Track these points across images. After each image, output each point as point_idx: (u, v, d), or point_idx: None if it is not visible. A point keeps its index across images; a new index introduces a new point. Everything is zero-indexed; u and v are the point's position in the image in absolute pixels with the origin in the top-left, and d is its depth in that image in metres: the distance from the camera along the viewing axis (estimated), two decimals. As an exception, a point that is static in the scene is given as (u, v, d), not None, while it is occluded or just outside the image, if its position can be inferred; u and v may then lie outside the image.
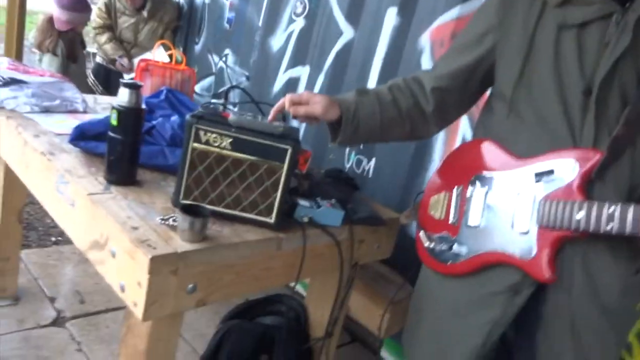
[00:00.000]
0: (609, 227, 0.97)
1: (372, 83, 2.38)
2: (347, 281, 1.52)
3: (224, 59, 3.32)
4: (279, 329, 1.52)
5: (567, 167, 1.05)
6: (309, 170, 1.66)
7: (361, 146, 2.39)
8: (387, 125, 1.27)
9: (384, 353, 2.24)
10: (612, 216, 0.97)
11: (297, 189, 1.44)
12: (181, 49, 3.65)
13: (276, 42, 2.93)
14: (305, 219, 1.35)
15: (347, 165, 2.45)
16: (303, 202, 1.37)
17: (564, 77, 1.06)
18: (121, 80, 1.30)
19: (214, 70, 3.41)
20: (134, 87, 1.25)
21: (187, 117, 1.20)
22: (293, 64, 2.82)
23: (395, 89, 1.29)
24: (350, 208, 1.46)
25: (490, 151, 1.20)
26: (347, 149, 2.45)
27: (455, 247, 1.23)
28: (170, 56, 2.30)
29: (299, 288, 2.42)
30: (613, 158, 1.03)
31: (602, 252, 1.05)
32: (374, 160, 2.35)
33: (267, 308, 1.64)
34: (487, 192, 1.19)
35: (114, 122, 1.26)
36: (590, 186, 1.04)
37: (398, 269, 1.99)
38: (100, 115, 1.72)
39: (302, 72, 2.76)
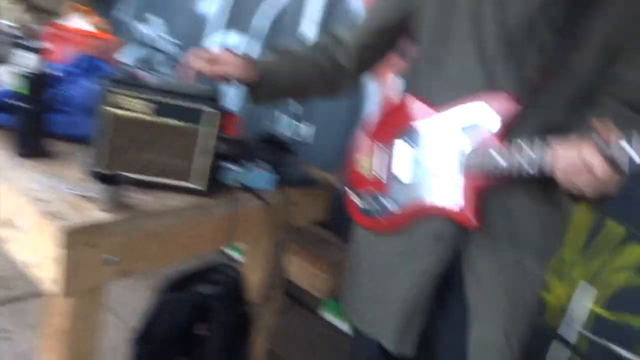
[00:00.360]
0: (530, 171, 1.00)
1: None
2: (281, 244, 1.50)
3: (151, 26, 3.15)
4: (215, 297, 1.48)
5: (487, 115, 1.07)
6: (242, 135, 1.61)
7: (300, 112, 2.36)
8: (305, 82, 1.26)
9: (324, 314, 2.28)
10: (532, 161, 0.99)
11: (226, 154, 1.40)
12: (103, 16, 3.43)
13: (208, 6, 2.79)
14: (236, 184, 1.31)
15: (285, 132, 2.41)
16: (234, 167, 1.34)
17: (483, 25, 1.06)
18: (20, 41, 1.20)
19: (140, 39, 3.24)
20: (36, 51, 1.15)
21: (100, 81, 1.12)
22: (227, 30, 2.72)
23: (314, 46, 1.27)
24: (283, 171, 1.44)
25: (414, 105, 1.20)
26: (286, 117, 2.41)
27: (386, 202, 1.24)
28: (93, 24, 2.15)
29: (237, 255, 2.40)
30: (531, 105, 1.05)
31: (521, 195, 1.09)
32: (313, 126, 2.33)
33: (203, 277, 1.60)
34: (413, 146, 1.19)
35: (19, 90, 1.17)
36: (510, 133, 1.06)
37: (338, 231, 2.00)
38: None
39: (237, 39, 2.67)
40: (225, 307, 1.48)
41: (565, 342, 1.67)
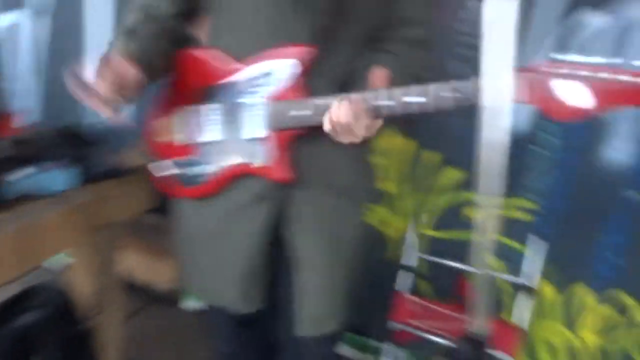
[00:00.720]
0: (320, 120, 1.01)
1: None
2: (108, 244, 1.36)
3: None
4: (38, 324, 1.30)
5: (284, 66, 1.05)
6: (30, 133, 1.39)
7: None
8: (169, 55, 1.16)
9: (187, 303, 2.17)
10: (318, 110, 1.00)
11: (9, 159, 1.19)
12: None
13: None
14: (28, 191, 1.12)
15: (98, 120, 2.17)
16: (21, 173, 1.14)
17: None
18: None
19: None
20: None
21: None
22: (3, 8, 2.32)
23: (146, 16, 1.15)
24: (86, 166, 1.27)
25: (212, 61, 1.13)
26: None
27: (200, 167, 1.18)
28: None
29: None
30: (326, 51, 1.04)
31: (329, 140, 1.10)
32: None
33: (21, 305, 1.39)
34: (216, 105, 1.13)
35: None
36: (308, 81, 1.05)
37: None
38: None
39: (15, 17, 2.29)
40: (52, 333, 1.31)
41: (409, 269, 1.80)
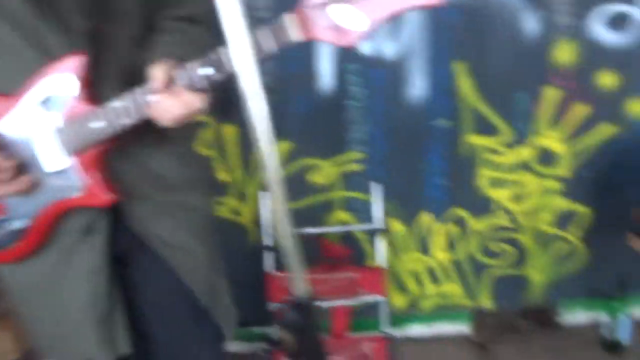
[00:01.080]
0: (127, 122, 0.94)
1: None
2: None
3: None
4: None
5: (63, 83, 0.96)
6: None
7: None
8: None
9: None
10: (127, 109, 0.94)
11: None
12: None
13: None
14: None
15: None
16: None
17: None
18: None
19: None
20: None
21: None
22: None
23: None
24: None
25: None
26: None
27: (11, 224, 1.03)
28: None
29: None
30: (101, 53, 0.97)
31: (148, 144, 1.05)
32: None
33: None
34: (5, 150, 1.00)
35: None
36: (96, 90, 0.97)
37: None
38: None
39: None
40: None
41: (270, 248, 1.82)
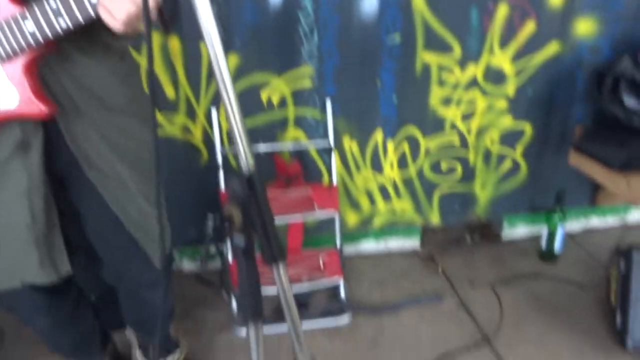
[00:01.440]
0: (62, 24, 0.89)
1: None
2: None
3: None
4: None
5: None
6: None
7: None
8: None
9: None
10: (58, 10, 0.88)
11: None
12: None
13: None
14: None
15: None
16: None
17: None
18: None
19: None
20: None
21: None
22: None
23: None
24: None
25: None
26: None
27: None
28: None
29: None
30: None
31: (79, 53, 1.00)
32: None
33: None
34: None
35: None
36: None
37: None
38: None
39: None
40: None
41: (222, 166, 1.81)
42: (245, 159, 0.78)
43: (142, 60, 1.56)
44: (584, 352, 1.67)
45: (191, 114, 1.78)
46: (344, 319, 1.80)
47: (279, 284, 0.85)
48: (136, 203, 1.13)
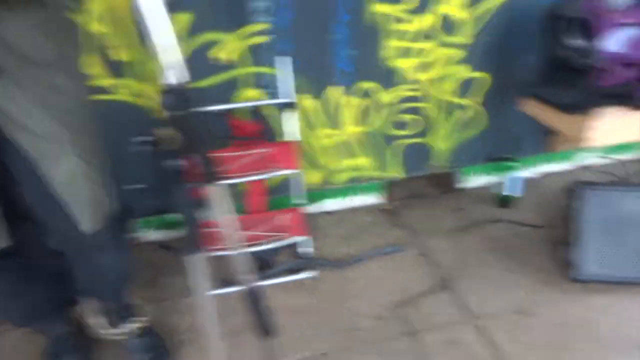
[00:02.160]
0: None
1: None
2: None
3: None
4: None
5: None
6: None
7: None
8: None
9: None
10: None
11: None
12: None
13: None
14: None
15: None
16: None
17: None
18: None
19: None
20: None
21: None
22: None
23: None
24: None
25: None
26: None
27: None
28: None
29: None
30: None
31: (15, 17, 0.94)
32: None
33: None
34: None
35: None
36: None
37: None
38: None
39: None
40: None
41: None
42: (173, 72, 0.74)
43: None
44: (538, 289, 1.75)
45: (142, 76, 1.72)
46: (309, 275, 1.83)
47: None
48: (67, 162, 1.09)
